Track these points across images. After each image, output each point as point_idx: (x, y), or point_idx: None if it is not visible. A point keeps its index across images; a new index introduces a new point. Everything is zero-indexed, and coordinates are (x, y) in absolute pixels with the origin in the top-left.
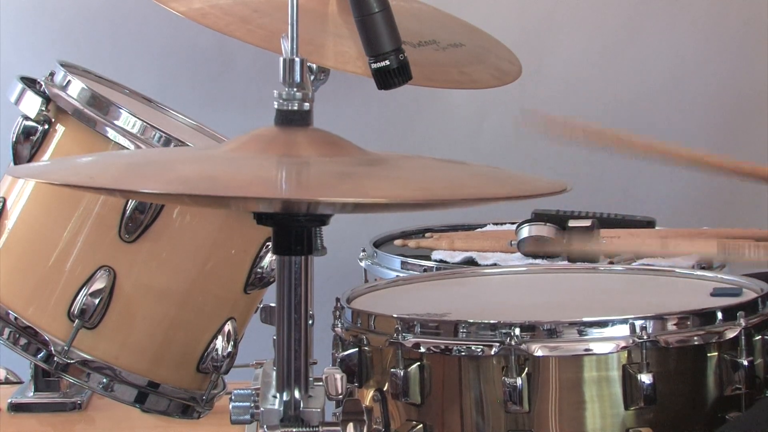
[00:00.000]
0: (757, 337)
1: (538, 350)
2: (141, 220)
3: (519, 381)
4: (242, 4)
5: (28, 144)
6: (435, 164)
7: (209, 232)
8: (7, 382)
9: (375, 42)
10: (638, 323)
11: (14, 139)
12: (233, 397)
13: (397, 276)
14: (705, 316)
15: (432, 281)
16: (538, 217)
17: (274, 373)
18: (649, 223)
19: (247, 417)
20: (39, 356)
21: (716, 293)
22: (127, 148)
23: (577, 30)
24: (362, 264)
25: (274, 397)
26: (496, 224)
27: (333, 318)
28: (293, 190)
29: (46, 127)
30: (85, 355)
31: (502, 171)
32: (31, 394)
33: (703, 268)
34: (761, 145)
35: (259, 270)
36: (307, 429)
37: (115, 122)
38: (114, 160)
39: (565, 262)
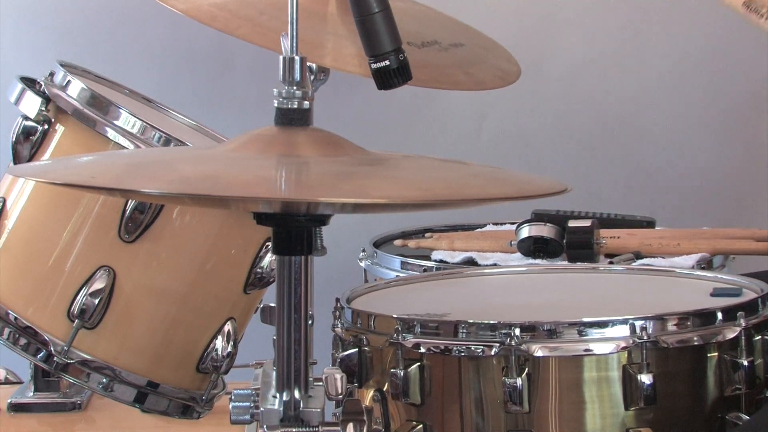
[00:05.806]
0: (757, 338)
1: (538, 350)
2: (141, 220)
3: (519, 381)
4: (245, 4)
5: (28, 144)
6: (435, 164)
7: (209, 232)
8: (7, 382)
9: (375, 42)
10: (638, 323)
11: (14, 139)
12: (233, 397)
13: (397, 276)
14: (705, 317)
15: (432, 281)
16: (538, 217)
17: (274, 373)
18: (649, 223)
19: (247, 417)
20: (39, 356)
21: (716, 293)
22: (127, 148)
23: (577, 30)
24: (362, 264)
25: (274, 397)
26: (496, 224)
27: (333, 318)
28: (293, 190)
29: (46, 127)
30: (85, 355)
31: (503, 171)
32: (31, 394)
33: (703, 268)
34: (761, 145)
35: (259, 270)
36: (307, 429)
37: (115, 122)
38: (114, 160)
39: (565, 262)
